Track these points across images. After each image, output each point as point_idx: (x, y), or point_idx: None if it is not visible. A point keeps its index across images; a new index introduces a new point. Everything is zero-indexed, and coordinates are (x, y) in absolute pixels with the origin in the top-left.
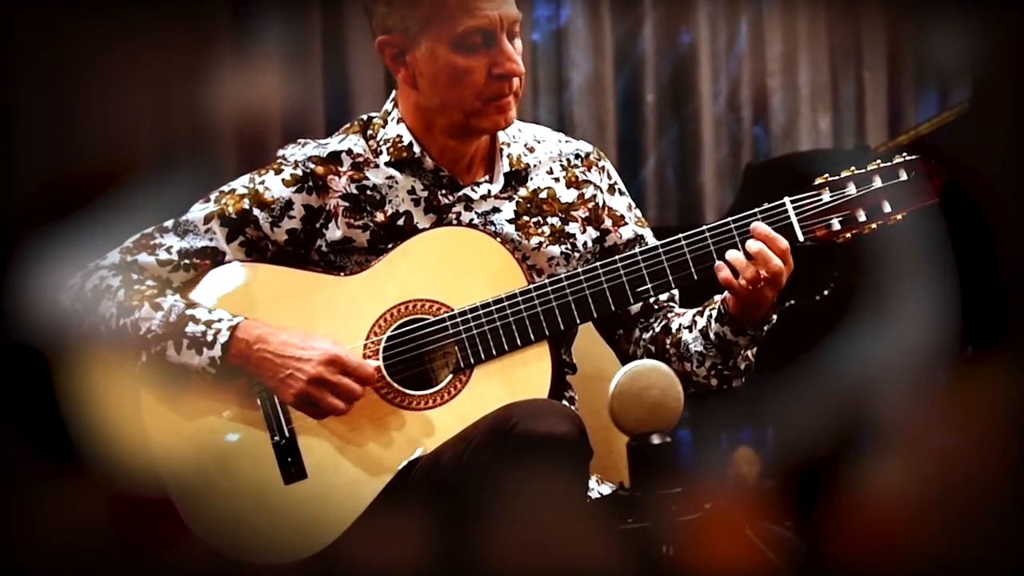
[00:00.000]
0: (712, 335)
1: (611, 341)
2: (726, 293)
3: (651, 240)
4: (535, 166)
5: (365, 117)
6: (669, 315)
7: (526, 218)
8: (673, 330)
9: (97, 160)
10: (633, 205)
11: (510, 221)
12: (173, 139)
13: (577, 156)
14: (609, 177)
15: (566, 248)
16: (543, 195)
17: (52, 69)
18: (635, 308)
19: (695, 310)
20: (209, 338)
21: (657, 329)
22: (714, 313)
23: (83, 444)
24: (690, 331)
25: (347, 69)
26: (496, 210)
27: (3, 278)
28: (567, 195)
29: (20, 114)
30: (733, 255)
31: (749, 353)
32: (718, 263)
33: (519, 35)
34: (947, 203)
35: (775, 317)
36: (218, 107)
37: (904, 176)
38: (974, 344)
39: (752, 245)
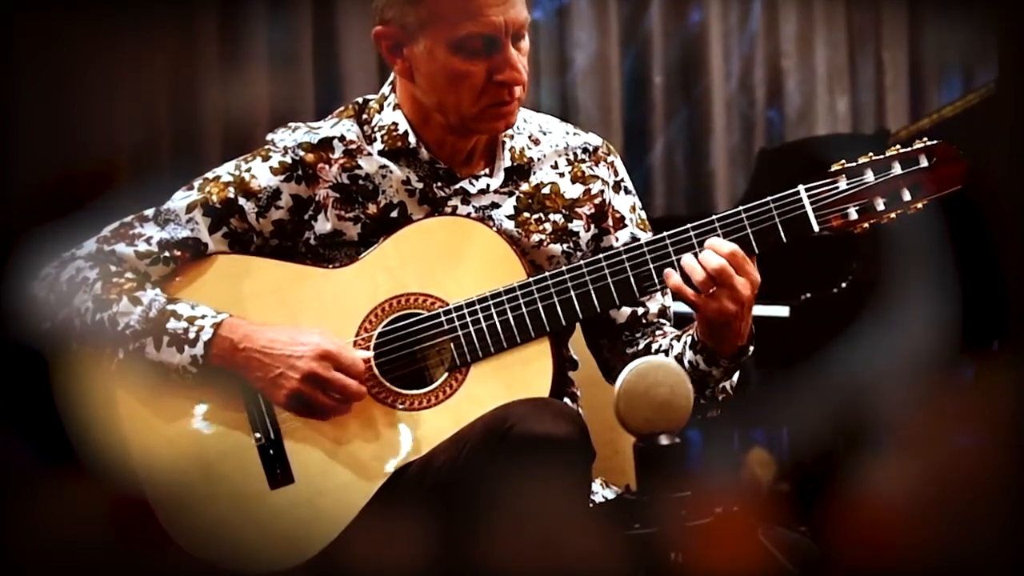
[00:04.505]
0: (686, 363)
1: (595, 349)
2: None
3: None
4: (539, 160)
5: (360, 100)
6: (656, 333)
7: (527, 214)
8: (653, 352)
9: (95, 159)
10: (638, 206)
11: (509, 217)
12: (172, 137)
13: (585, 150)
14: (616, 174)
15: (568, 247)
16: (546, 190)
17: (51, 68)
18: (622, 319)
19: (675, 333)
20: (191, 335)
21: (640, 347)
22: (688, 339)
23: (81, 445)
24: (666, 355)
25: (338, 64)
26: (495, 205)
27: (2, 278)
28: (572, 191)
29: (19, 113)
30: (687, 259)
31: (727, 384)
32: (667, 271)
33: (526, 36)
34: (953, 200)
35: (752, 348)
36: (214, 104)
37: (925, 162)
38: (999, 340)
39: (700, 254)
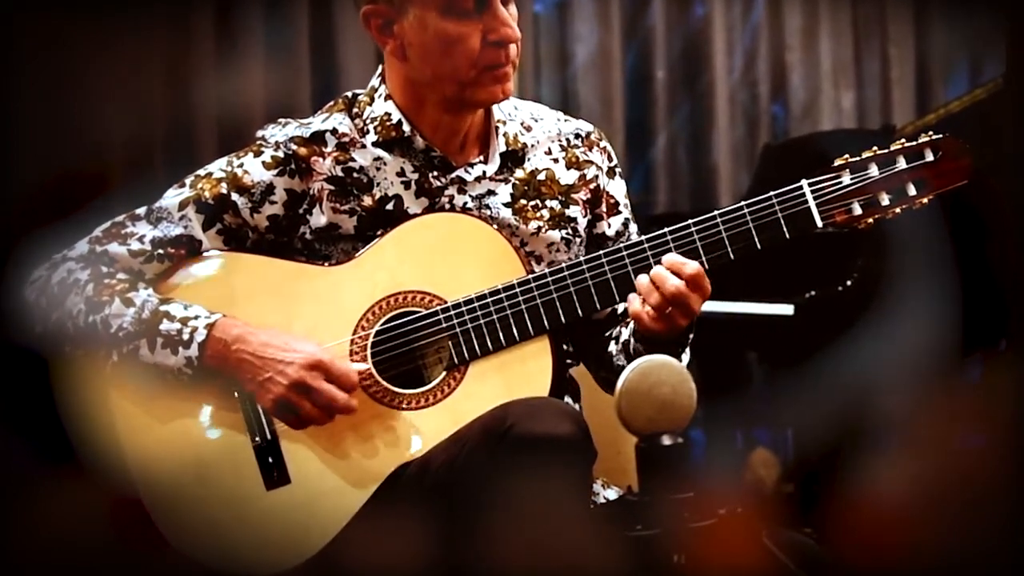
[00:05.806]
0: (632, 350)
1: (583, 351)
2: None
3: (634, 231)
4: (533, 146)
5: (350, 94)
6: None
7: (524, 201)
8: (612, 339)
9: (95, 158)
10: (626, 191)
11: (506, 205)
12: (169, 134)
13: (577, 136)
14: (610, 159)
15: (567, 233)
16: (541, 177)
17: (51, 68)
18: (603, 314)
19: (623, 322)
20: (185, 336)
21: (612, 335)
22: (633, 325)
23: (80, 446)
24: (616, 342)
25: (336, 60)
26: (491, 193)
27: (2, 279)
28: (567, 177)
29: (19, 113)
30: (640, 280)
31: None
32: (630, 296)
33: (513, 2)
34: (956, 198)
35: (692, 335)
36: (211, 101)
37: (930, 156)
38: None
39: (655, 271)
